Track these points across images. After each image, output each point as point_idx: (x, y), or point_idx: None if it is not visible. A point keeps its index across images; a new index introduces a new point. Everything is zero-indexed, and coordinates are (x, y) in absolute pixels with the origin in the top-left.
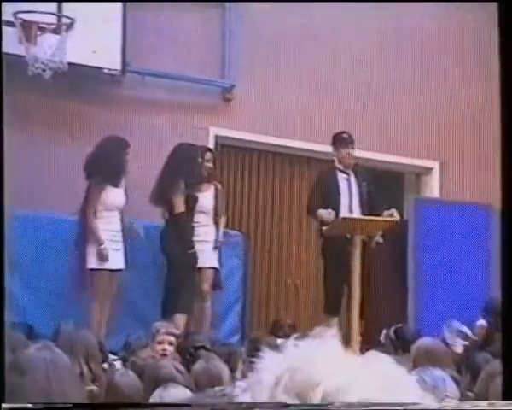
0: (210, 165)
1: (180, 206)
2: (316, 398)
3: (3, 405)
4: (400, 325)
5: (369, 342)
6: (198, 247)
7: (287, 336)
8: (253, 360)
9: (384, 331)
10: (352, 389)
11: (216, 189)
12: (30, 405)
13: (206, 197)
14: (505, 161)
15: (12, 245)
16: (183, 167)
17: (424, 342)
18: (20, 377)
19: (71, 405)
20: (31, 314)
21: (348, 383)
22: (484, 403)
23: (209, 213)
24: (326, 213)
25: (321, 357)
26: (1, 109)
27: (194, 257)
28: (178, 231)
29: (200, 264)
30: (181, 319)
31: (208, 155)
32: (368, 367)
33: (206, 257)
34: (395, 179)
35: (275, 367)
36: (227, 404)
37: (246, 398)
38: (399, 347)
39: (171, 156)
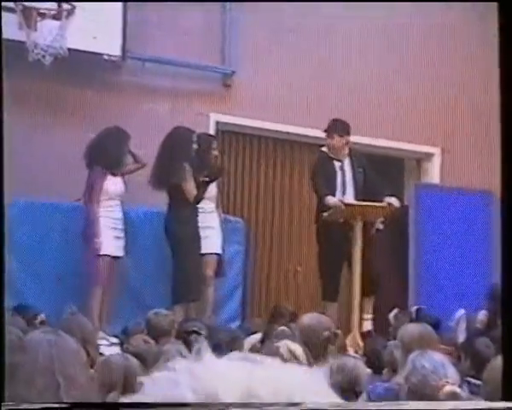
0: (216, 153)
1: (192, 190)
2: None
3: (3, 405)
4: (422, 306)
5: (370, 326)
6: (202, 233)
7: (287, 324)
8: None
9: (394, 311)
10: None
11: None
12: (30, 405)
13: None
14: (505, 146)
15: (12, 232)
16: (186, 151)
17: (411, 327)
18: (22, 357)
19: (70, 405)
20: (32, 300)
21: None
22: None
23: (213, 200)
24: (335, 202)
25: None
26: (1, 95)
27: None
28: (189, 216)
29: (204, 250)
30: (181, 307)
31: (215, 144)
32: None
33: (211, 243)
34: (395, 165)
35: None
36: (227, 404)
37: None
38: None
39: (169, 139)
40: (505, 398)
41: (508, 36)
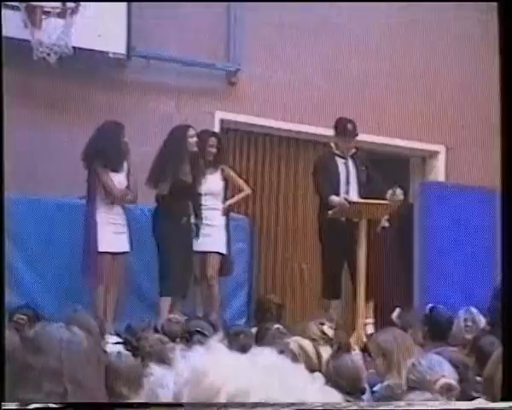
0: (213, 150)
1: (163, 189)
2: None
3: (3, 405)
4: (434, 305)
5: (375, 325)
6: (205, 231)
7: (275, 318)
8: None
9: (397, 311)
10: (251, 389)
11: (223, 172)
12: (30, 405)
13: (212, 181)
14: (505, 145)
15: (17, 229)
16: (170, 150)
17: (383, 336)
18: (32, 354)
19: (71, 405)
20: (37, 298)
21: (247, 384)
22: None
23: (217, 197)
24: (339, 200)
25: (213, 365)
26: (1, 94)
27: (181, 240)
28: (162, 213)
29: (204, 248)
30: (165, 302)
31: (212, 140)
32: (256, 363)
33: (212, 241)
34: (401, 163)
35: (168, 382)
36: (222, 404)
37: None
38: (431, 330)
39: (165, 140)
40: (505, 398)
41: (508, 35)
